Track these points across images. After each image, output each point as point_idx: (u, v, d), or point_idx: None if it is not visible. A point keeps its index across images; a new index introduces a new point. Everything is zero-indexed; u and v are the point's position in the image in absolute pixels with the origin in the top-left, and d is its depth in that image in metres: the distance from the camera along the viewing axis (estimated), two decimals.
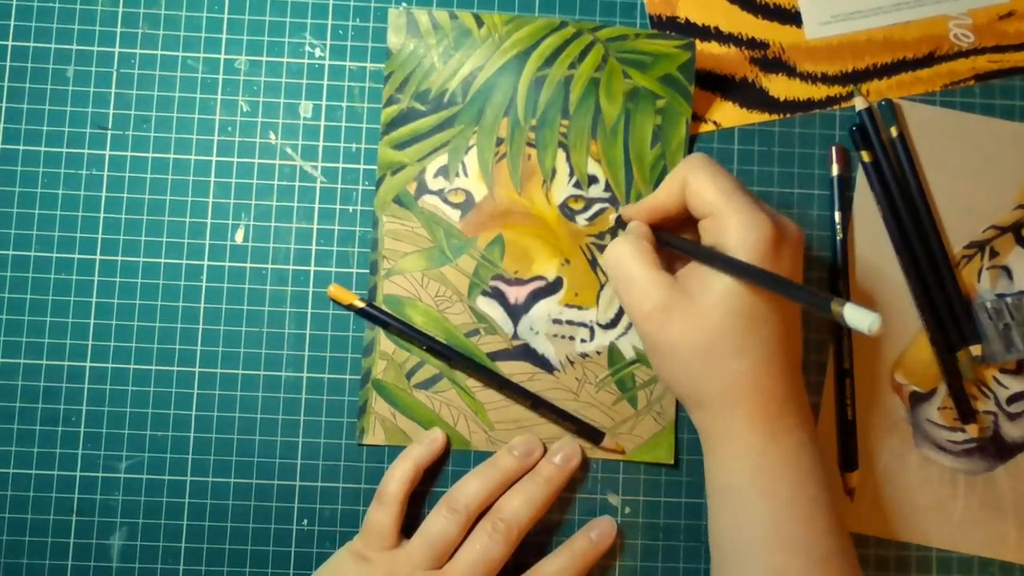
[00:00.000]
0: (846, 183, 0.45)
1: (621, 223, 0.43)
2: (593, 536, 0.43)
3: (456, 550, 0.40)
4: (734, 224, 0.35)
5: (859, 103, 0.45)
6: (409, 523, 0.42)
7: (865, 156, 0.45)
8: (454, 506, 0.41)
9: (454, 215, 0.44)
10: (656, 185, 0.44)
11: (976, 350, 0.44)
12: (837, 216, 0.45)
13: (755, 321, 0.35)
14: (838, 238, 0.45)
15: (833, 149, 0.45)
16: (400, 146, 0.44)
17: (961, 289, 0.45)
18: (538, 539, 0.43)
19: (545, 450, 0.43)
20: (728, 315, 0.35)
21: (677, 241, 0.39)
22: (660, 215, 0.39)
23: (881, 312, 0.45)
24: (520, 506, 0.41)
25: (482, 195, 0.44)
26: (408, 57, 0.44)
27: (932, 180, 0.45)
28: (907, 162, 0.45)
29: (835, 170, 0.45)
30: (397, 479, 0.41)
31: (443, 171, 0.44)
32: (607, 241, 0.44)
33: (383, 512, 0.41)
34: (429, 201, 0.44)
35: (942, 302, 0.44)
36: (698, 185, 0.36)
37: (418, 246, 0.44)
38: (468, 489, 0.41)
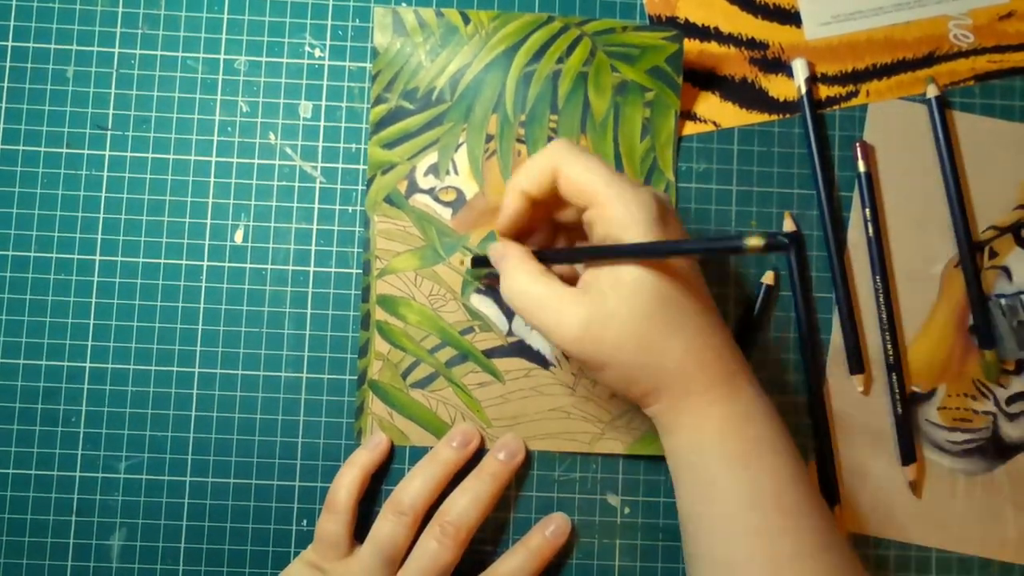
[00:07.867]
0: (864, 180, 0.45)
1: (483, 261, 0.41)
2: (548, 533, 0.43)
3: (409, 552, 0.40)
4: (621, 208, 0.34)
5: (931, 91, 0.45)
6: (366, 525, 0.42)
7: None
8: (399, 508, 0.41)
9: (446, 213, 0.44)
10: (647, 178, 0.44)
11: (990, 356, 0.44)
12: (867, 213, 0.45)
13: (673, 293, 0.34)
14: (870, 235, 0.45)
15: (857, 146, 0.45)
16: (389, 145, 0.44)
17: (984, 287, 0.45)
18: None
19: (483, 439, 0.43)
20: (650, 300, 0.34)
21: (563, 254, 0.38)
22: (527, 205, 0.37)
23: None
24: (466, 506, 0.41)
25: (473, 193, 0.44)
26: (395, 56, 0.44)
27: (934, 180, 0.45)
28: (948, 156, 0.45)
29: (861, 167, 0.45)
30: (345, 487, 0.41)
31: (433, 169, 0.44)
32: None
33: (334, 521, 0.41)
34: (420, 200, 0.44)
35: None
36: (575, 175, 0.35)
37: (410, 245, 0.44)
38: (411, 489, 0.41)
